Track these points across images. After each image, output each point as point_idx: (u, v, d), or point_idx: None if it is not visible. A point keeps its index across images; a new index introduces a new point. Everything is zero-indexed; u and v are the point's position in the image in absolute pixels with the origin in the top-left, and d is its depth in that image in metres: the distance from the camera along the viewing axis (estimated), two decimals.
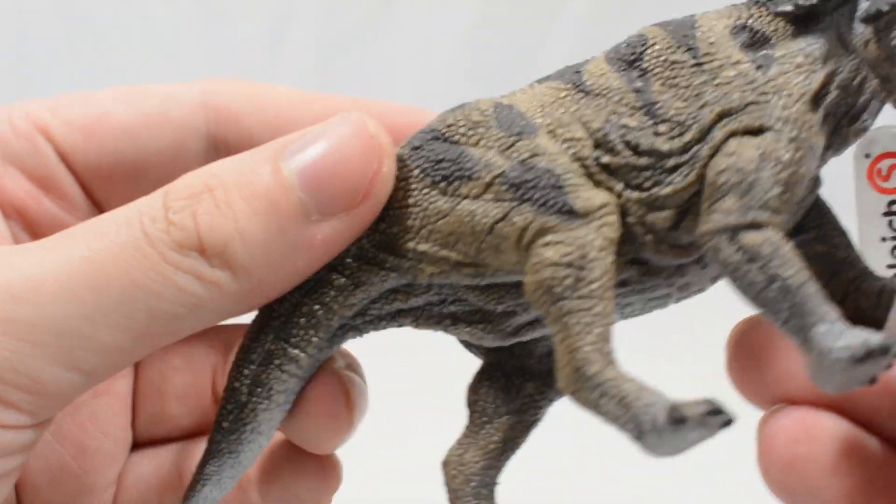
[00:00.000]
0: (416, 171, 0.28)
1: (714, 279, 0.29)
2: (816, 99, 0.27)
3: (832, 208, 0.29)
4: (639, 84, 0.28)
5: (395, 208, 0.28)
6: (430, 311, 0.29)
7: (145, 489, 0.33)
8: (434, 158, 0.28)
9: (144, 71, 1.07)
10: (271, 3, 1.07)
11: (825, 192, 0.29)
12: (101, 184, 0.32)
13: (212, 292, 0.26)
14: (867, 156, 0.31)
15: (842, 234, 0.29)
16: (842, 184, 0.31)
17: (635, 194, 0.27)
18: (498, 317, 0.29)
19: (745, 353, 0.28)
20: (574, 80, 0.29)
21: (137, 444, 0.34)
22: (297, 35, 1.07)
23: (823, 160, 0.28)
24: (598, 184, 0.27)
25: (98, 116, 0.31)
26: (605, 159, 0.27)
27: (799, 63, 0.27)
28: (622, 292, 0.28)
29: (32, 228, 0.31)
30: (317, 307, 0.29)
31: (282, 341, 0.29)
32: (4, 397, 0.25)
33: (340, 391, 0.30)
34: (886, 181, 0.31)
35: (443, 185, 0.28)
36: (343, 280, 0.29)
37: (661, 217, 0.27)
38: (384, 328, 0.30)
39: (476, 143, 0.28)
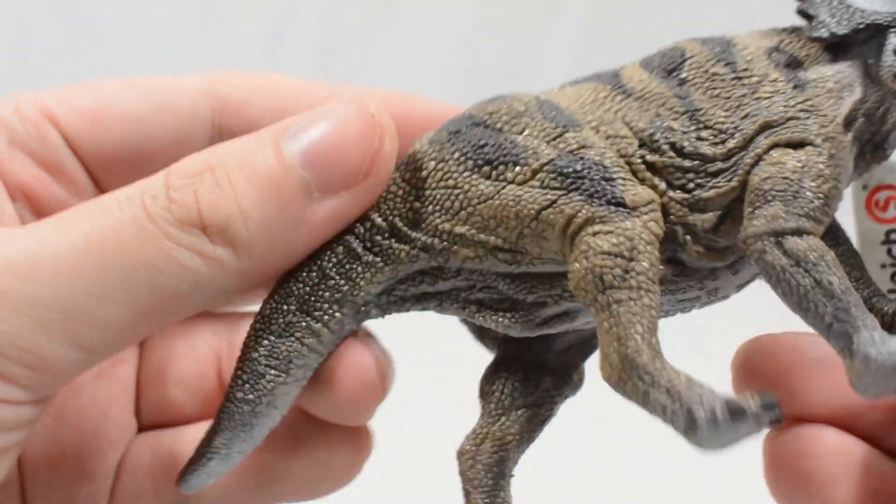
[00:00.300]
0: (455, 154, 0.28)
1: (740, 287, 0.30)
2: (847, 123, 0.28)
3: (845, 230, 0.31)
4: (680, 91, 0.29)
5: (430, 188, 0.28)
6: (456, 297, 0.29)
7: (145, 474, 0.33)
8: (476, 143, 0.28)
9: (144, 71, 1.07)
10: (271, 3, 1.07)
11: None
12: (107, 170, 0.32)
13: (213, 269, 0.26)
14: (864, 187, 0.32)
15: (855, 255, 0.30)
16: (841, 213, 0.32)
17: (678, 194, 0.28)
18: (527, 307, 0.29)
19: (751, 372, 0.28)
20: (613, 82, 0.30)
21: (141, 430, 0.34)
22: (297, 35, 1.07)
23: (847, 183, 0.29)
24: (642, 181, 0.28)
25: (104, 104, 0.31)
26: (651, 158, 0.28)
27: (830, 88, 0.29)
28: None
29: (40, 211, 0.31)
30: (343, 282, 0.29)
31: (304, 314, 0.29)
32: (5, 372, 0.25)
33: (372, 361, 0.30)
34: (884, 212, 0.32)
35: (486, 168, 0.28)
36: (371, 257, 0.29)
37: (702, 219, 0.28)
38: (408, 310, 0.30)
39: (521, 132, 0.28)
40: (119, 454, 0.33)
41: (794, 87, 0.29)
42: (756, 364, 0.28)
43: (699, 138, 0.28)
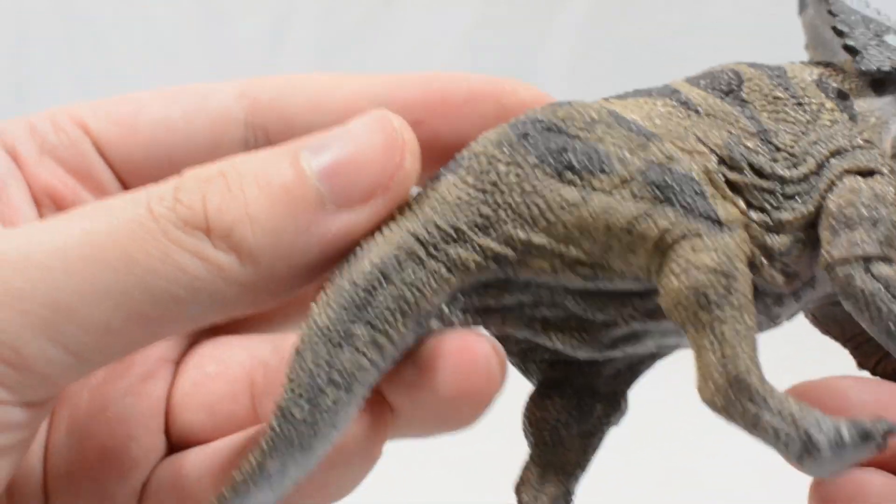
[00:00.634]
0: (530, 158, 0.27)
1: (792, 316, 0.29)
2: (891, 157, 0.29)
3: None
4: (745, 111, 0.28)
5: (503, 193, 0.27)
6: (520, 313, 0.28)
7: (169, 498, 0.31)
8: (554, 147, 0.27)
9: (144, 71, 1.07)
10: (271, 3, 1.07)
11: None
12: (139, 177, 0.31)
13: (214, 275, 0.25)
14: None
15: None
16: None
17: (757, 215, 0.27)
18: (596, 326, 0.28)
19: None
20: (674, 97, 0.29)
21: (169, 453, 0.32)
22: (297, 35, 1.07)
23: None
24: (724, 199, 0.27)
25: (135, 111, 0.31)
26: (731, 176, 0.27)
27: (873, 123, 0.29)
28: None
29: None
30: (406, 290, 0.26)
31: (365, 324, 0.26)
32: None
33: (489, 347, 0.27)
34: None
35: (568, 174, 0.27)
36: (436, 264, 0.26)
37: (779, 241, 0.28)
38: (468, 324, 0.28)
39: (600, 140, 0.27)
40: (144, 476, 0.31)
41: (850, 117, 0.29)
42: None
43: (774, 160, 0.28)
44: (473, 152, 0.27)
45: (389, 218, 0.27)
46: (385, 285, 0.26)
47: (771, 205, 0.28)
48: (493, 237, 0.27)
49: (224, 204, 0.25)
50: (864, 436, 0.24)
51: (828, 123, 0.29)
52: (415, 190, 0.28)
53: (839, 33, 0.30)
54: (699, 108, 0.28)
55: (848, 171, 0.28)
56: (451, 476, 0.50)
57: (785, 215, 0.28)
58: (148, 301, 0.25)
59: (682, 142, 0.28)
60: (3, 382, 0.24)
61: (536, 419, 0.30)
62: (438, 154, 0.28)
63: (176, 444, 0.31)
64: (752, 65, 0.30)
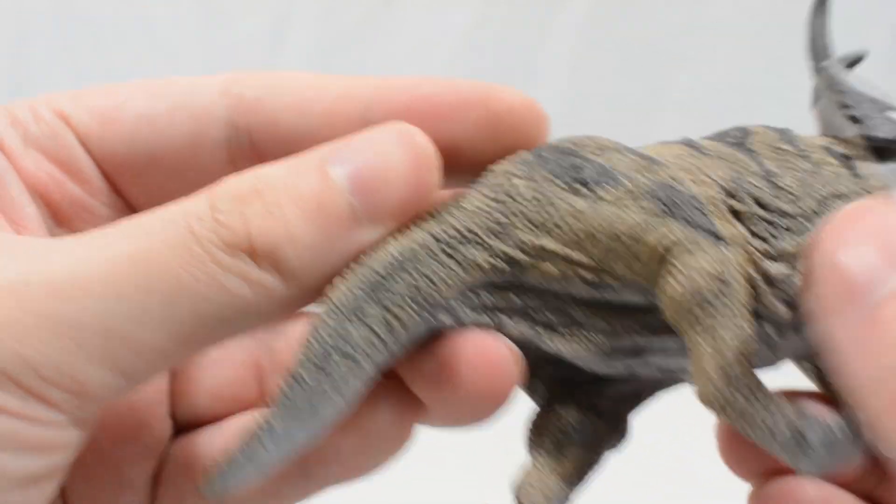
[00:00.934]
0: (545, 173, 0.29)
1: (792, 354, 0.30)
2: None
3: None
4: (752, 157, 0.30)
5: (517, 202, 0.28)
6: (527, 315, 0.29)
7: (185, 479, 0.32)
8: (568, 164, 0.29)
9: (144, 71, 1.07)
10: (271, 3, 1.07)
11: None
12: (121, 170, 0.31)
13: (259, 295, 0.25)
14: None
15: None
16: None
17: (757, 242, 0.29)
18: (598, 335, 0.29)
19: (734, 433, 0.28)
20: (688, 143, 0.30)
21: (177, 435, 0.33)
22: (297, 35, 1.07)
23: None
24: (725, 220, 0.29)
25: (117, 104, 0.31)
26: (734, 204, 0.29)
27: (875, 185, 0.31)
28: None
29: (55, 210, 0.31)
30: (420, 279, 0.28)
31: (378, 304, 0.27)
32: (45, 395, 0.25)
33: (505, 348, 0.28)
34: None
35: (578, 186, 0.28)
36: (450, 261, 0.28)
37: (779, 269, 0.29)
38: (476, 322, 0.29)
39: (610, 161, 0.29)
40: (156, 460, 0.32)
41: (852, 174, 0.31)
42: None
43: (776, 196, 0.29)
44: (492, 171, 0.29)
45: (411, 222, 0.28)
46: (401, 273, 0.28)
47: (772, 234, 0.29)
48: (505, 241, 0.28)
49: (265, 224, 0.26)
50: (854, 433, 0.25)
51: (831, 174, 0.30)
52: None
53: (845, 106, 0.32)
54: (709, 152, 0.30)
55: None
56: (449, 474, 0.50)
57: (785, 245, 0.29)
58: (196, 323, 0.25)
59: (690, 172, 0.29)
60: (63, 408, 0.25)
61: (540, 428, 0.31)
62: None
63: (183, 428, 0.32)
64: (762, 125, 0.32)
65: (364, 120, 0.29)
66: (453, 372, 0.28)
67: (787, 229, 0.29)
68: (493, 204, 0.29)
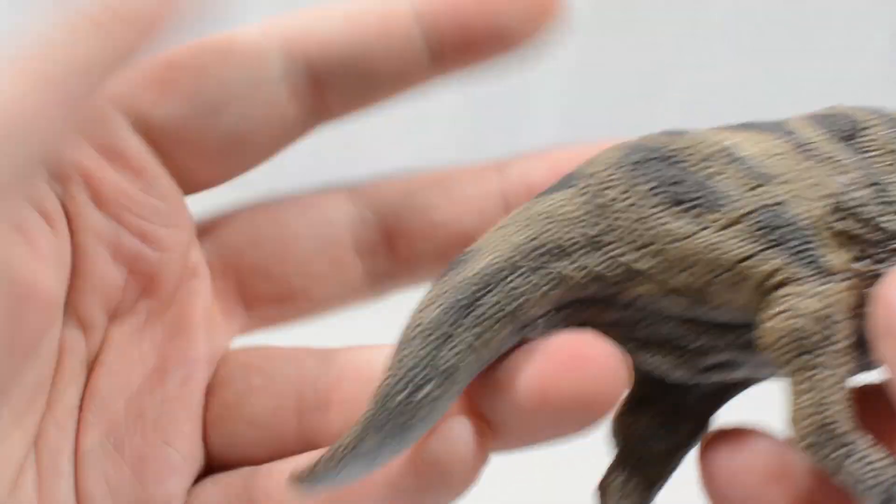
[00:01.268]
0: (643, 186, 0.27)
1: None
2: None
3: None
4: (861, 162, 0.28)
5: (612, 217, 0.27)
6: (618, 331, 0.28)
7: None
8: (668, 179, 0.27)
9: None
10: (271, 3, 1.07)
11: None
12: (179, 134, 0.29)
13: None
14: None
15: None
16: None
17: (862, 265, 0.28)
18: (691, 352, 0.28)
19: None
20: (790, 138, 0.29)
21: (210, 468, 0.31)
22: None
23: None
24: (831, 247, 0.27)
25: (170, 65, 0.30)
26: (840, 226, 0.27)
27: None
28: None
29: (95, 195, 0.29)
30: (507, 301, 0.27)
31: (465, 328, 0.27)
32: None
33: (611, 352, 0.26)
34: None
35: (678, 208, 0.27)
36: (540, 277, 0.27)
37: None
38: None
39: (711, 177, 0.27)
40: (182, 484, 0.30)
41: None
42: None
43: (883, 213, 0.28)
44: (588, 172, 0.28)
45: (503, 226, 0.28)
46: (489, 293, 0.27)
47: (877, 257, 0.28)
48: (597, 258, 0.27)
49: None
50: None
51: None
52: None
53: None
54: (814, 153, 0.28)
55: None
56: None
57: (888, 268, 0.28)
58: None
59: (795, 186, 0.28)
60: None
61: (625, 430, 0.31)
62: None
63: (215, 455, 0.30)
64: (873, 111, 0.30)
65: (420, 19, 0.29)
66: (517, 374, 0.26)
67: (893, 251, 0.27)
68: (587, 216, 0.27)
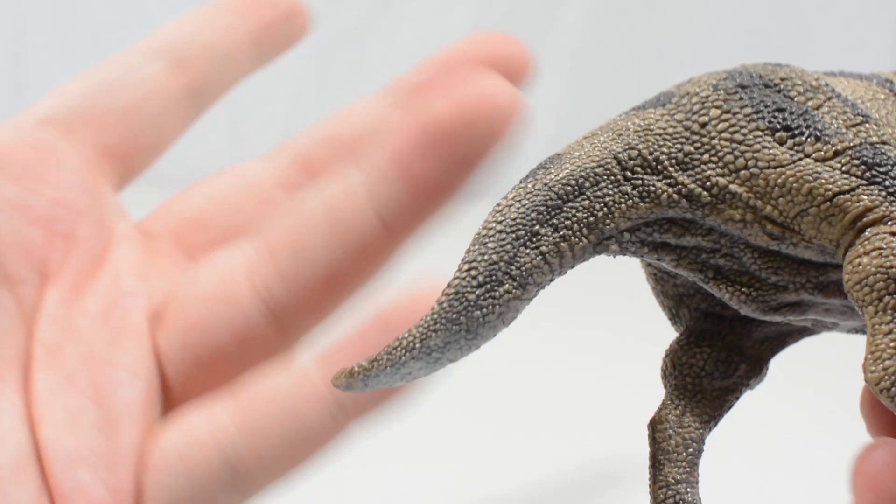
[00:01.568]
0: (746, 109, 0.27)
1: None
2: None
3: None
4: None
5: (710, 136, 0.27)
6: (696, 256, 0.28)
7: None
8: (772, 105, 0.27)
9: None
10: None
11: None
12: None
13: None
14: None
15: None
16: None
17: None
18: (766, 287, 0.28)
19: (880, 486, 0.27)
20: (888, 86, 0.28)
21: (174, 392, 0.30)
22: None
23: None
24: None
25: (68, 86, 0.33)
26: None
27: None
28: None
29: (5, 169, 0.32)
30: (598, 206, 0.26)
31: (553, 228, 0.26)
32: None
33: None
34: None
35: (782, 134, 0.27)
36: (630, 188, 0.27)
37: None
38: (642, 256, 0.28)
39: (818, 108, 0.27)
40: (139, 395, 0.29)
41: None
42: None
43: None
44: (686, 91, 0.28)
45: (592, 135, 0.27)
46: (578, 196, 0.26)
47: None
48: (690, 175, 0.27)
49: None
50: None
51: None
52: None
53: None
54: None
55: None
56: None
57: None
58: None
59: (893, 129, 0.27)
60: None
61: (681, 364, 0.30)
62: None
63: (174, 367, 0.30)
64: None
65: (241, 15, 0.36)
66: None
67: None
68: (684, 132, 0.27)
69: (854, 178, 0.26)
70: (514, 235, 0.26)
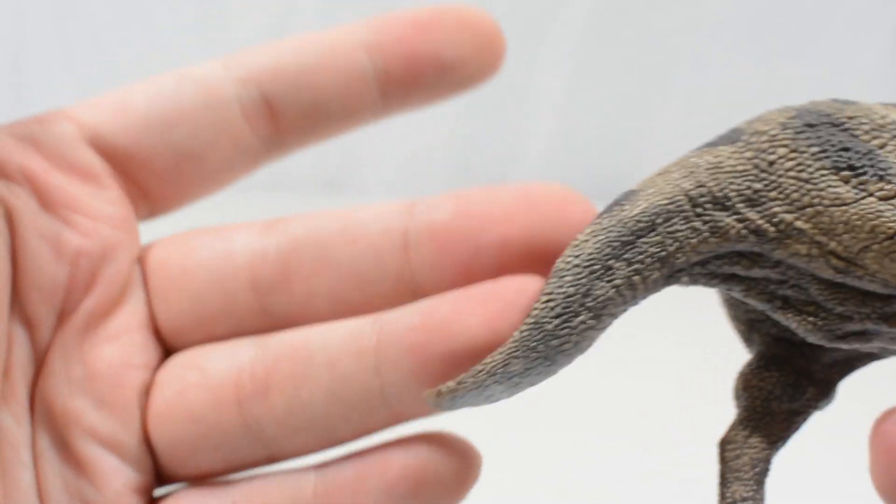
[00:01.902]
0: (813, 149, 0.28)
1: None
2: None
3: None
4: None
5: (777, 174, 0.28)
6: (764, 287, 0.29)
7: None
8: (838, 145, 0.28)
9: (144, 71, 1.07)
10: (271, 3, 1.07)
11: None
12: (136, 154, 0.30)
13: None
14: None
15: None
16: None
17: None
18: (832, 317, 0.29)
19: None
20: None
21: (161, 472, 0.31)
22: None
23: None
24: None
25: (126, 94, 0.30)
26: None
27: None
28: None
29: (41, 197, 0.30)
30: (669, 241, 0.28)
31: (626, 262, 0.28)
32: None
33: None
34: None
35: (846, 173, 0.28)
36: (700, 224, 0.28)
37: None
38: (713, 286, 0.29)
39: (882, 146, 0.28)
40: (127, 486, 0.30)
41: None
42: None
43: None
44: (756, 129, 0.29)
45: (665, 171, 0.28)
46: (651, 232, 0.28)
47: None
48: (758, 212, 0.28)
49: None
50: None
51: None
52: None
53: None
54: None
55: None
56: None
57: None
58: None
59: None
60: None
61: (752, 386, 0.31)
62: None
63: (162, 455, 0.30)
64: None
65: (369, 49, 0.30)
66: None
67: None
68: (752, 170, 0.28)
69: None
70: (589, 269, 0.27)
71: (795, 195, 0.28)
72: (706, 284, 0.29)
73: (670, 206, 0.28)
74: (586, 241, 0.28)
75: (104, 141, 0.30)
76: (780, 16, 1.02)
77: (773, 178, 0.28)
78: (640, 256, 0.28)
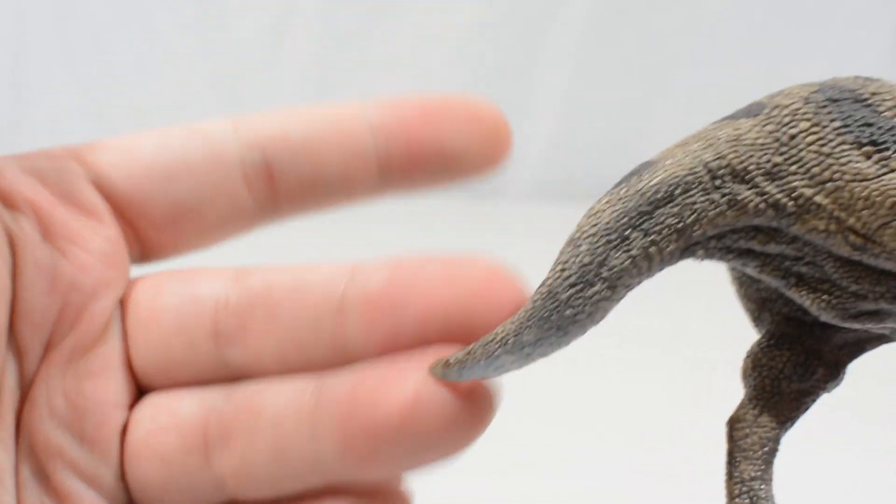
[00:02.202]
0: (835, 123, 0.28)
1: None
2: None
3: None
4: None
5: (798, 148, 0.28)
6: (779, 263, 0.29)
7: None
8: (860, 120, 0.28)
9: (144, 72, 1.07)
10: (271, 3, 1.07)
11: None
12: (137, 199, 0.30)
13: None
14: None
15: None
16: None
17: None
18: (846, 295, 0.29)
19: None
20: None
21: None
22: (297, 35, 1.07)
23: None
24: None
25: (134, 140, 0.31)
26: None
27: None
28: None
29: (44, 226, 0.30)
30: (687, 213, 0.28)
31: (643, 232, 0.27)
32: None
33: None
34: None
35: (869, 148, 0.27)
36: (719, 196, 0.28)
37: None
38: (728, 262, 0.29)
39: None
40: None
41: None
42: None
43: None
44: (778, 103, 0.28)
45: (684, 143, 0.28)
46: (669, 203, 0.28)
47: None
48: (778, 186, 0.28)
49: None
50: None
51: None
52: None
53: None
54: None
55: None
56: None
57: None
58: None
59: None
60: None
61: (762, 365, 0.31)
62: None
63: (135, 495, 0.30)
64: None
65: (373, 130, 0.30)
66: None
67: None
68: (773, 143, 0.28)
69: None
70: (605, 239, 0.27)
71: (816, 170, 0.28)
72: (721, 259, 0.29)
73: (689, 178, 0.28)
74: (603, 210, 0.28)
75: (107, 183, 0.30)
76: (780, 16, 1.02)
77: (793, 152, 0.28)
78: (658, 227, 0.27)
